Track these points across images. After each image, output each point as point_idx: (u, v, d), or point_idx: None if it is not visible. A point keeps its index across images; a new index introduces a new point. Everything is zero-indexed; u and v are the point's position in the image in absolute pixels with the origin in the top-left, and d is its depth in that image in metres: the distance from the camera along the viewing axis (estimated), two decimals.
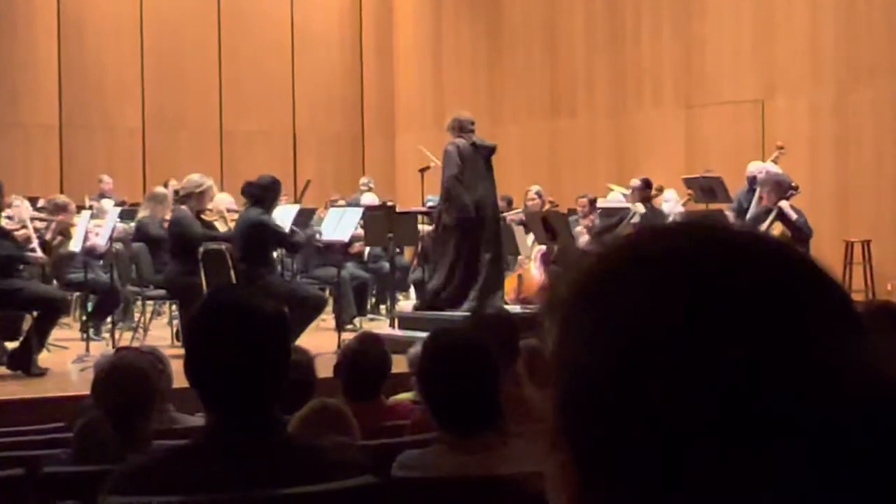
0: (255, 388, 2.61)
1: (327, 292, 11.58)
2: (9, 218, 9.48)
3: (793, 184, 11.48)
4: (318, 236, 11.33)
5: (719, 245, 0.77)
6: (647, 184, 12.27)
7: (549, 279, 11.50)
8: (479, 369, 3.13)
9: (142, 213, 11.21)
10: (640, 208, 11.82)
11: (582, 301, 0.78)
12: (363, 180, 15.48)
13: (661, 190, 13.34)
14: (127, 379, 3.49)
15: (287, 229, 10.18)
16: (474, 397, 3.10)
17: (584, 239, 12.08)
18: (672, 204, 13.15)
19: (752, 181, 11.93)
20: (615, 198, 13.45)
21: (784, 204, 10.96)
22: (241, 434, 2.60)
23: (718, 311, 0.73)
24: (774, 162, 12.48)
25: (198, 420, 4.25)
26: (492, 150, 10.26)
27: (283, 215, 10.85)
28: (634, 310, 0.74)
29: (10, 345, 9.03)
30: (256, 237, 9.60)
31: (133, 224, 11.29)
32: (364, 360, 4.61)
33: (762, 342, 0.72)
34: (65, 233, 10.15)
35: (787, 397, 0.71)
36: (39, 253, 9.38)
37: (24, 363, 8.60)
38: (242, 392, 2.59)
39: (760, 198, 11.35)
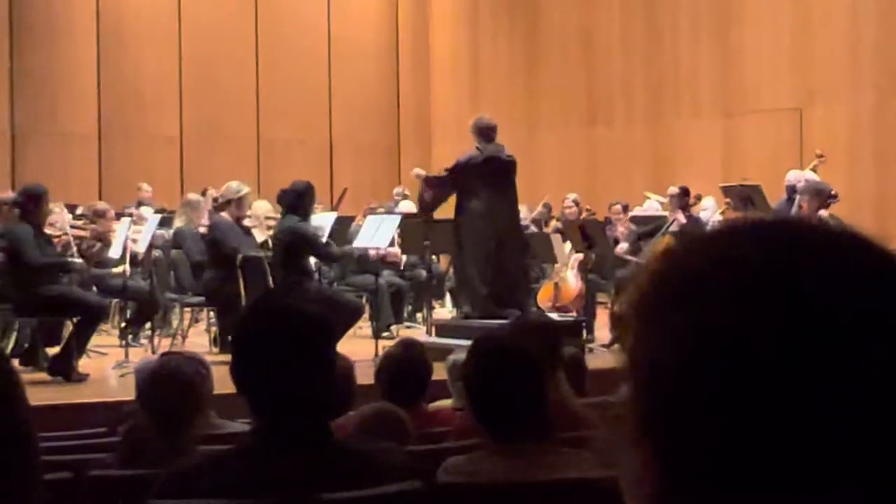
0: (302, 392, 2.60)
1: (364, 299, 11.57)
2: (50, 224, 9.55)
3: (832, 192, 11.39)
4: (354, 254, 11.34)
5: (812, 246, 0.76)
6: (685, 192, 12.18)
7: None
8: (525, 375, 3.11)
9: (177, 222, 11.23)
10: (680, 217, 11.74)
11: (670, 298, 0.76)
12: (397, 189, 15.49)
13: (698, 198, 13.26)
14: (173, 384, 3.50)
15: (325, 238, 10.19)
16: (520, 403, 3.09)
17: (620, 247, 12.02)
18: (710, 212, 13.06)
19: (791, 190, 11.81)
20: (651, 206, 13.37)
21: (822, 213, 10.89)
22: (287, 439, 2.59)
23: (815, 314, 0.72)
24: (813, 170, 12.38)
25: (239, 426, 4.26)
26: (508, 164, 10.11)
27: (322, 223, 10.86)
28: (729, 310, 0.73)
29: (51, 351, 9.11)
30: (294, 245, 9.64)
31: (171, 231, 11.31)
32: (406, 365, 4.61)
33: (861, 350, 0.71)
34: (103, 239, 10.19)
35: (884, 405, 0.70)
36: (77, 259, 9.43)
37: (64, 369, 8.66)
38: (289, 397, 2.59)
39: (800, 206, 11.26)
